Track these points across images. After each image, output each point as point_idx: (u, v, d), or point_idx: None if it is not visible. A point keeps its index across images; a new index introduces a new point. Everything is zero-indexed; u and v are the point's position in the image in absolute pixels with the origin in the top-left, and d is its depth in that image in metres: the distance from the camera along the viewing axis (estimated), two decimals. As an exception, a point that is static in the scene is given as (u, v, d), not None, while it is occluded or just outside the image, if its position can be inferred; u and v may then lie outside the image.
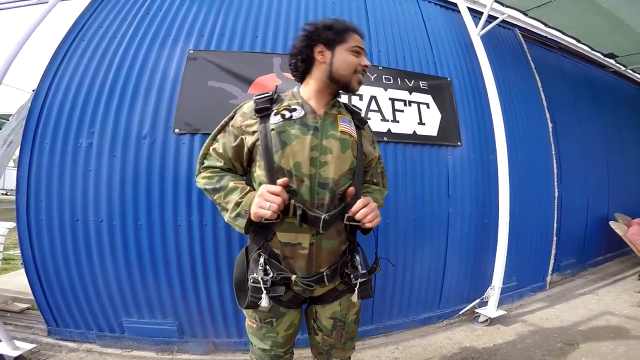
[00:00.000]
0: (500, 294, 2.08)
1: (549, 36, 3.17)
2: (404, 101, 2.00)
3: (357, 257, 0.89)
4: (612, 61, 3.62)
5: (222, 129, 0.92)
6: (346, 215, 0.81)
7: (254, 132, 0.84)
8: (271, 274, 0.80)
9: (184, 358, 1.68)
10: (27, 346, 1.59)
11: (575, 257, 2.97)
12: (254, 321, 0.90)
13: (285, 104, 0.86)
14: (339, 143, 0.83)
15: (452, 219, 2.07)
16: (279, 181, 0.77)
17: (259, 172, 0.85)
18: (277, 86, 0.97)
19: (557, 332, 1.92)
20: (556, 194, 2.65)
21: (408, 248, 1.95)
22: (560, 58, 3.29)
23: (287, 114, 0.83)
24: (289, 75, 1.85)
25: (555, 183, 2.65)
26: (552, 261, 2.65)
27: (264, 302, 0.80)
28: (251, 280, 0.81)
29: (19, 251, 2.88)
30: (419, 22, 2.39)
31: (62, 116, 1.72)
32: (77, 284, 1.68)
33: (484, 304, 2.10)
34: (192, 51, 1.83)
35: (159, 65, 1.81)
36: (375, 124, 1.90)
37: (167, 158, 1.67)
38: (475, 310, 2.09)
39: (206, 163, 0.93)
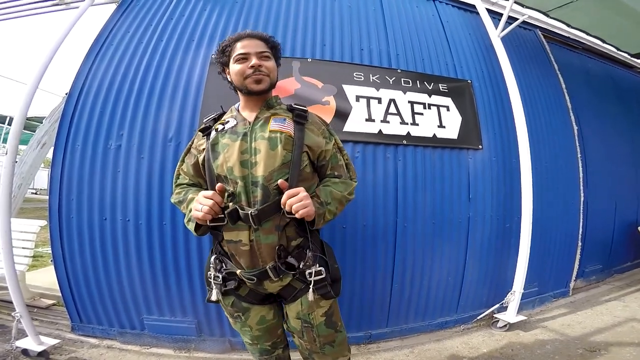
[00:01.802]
0: (521, 300, 2.03)
1: (572, 37, 3.07)
2: (424, 104, 1.99)
3: (309, 253, 0.88)
4: (639, 61, 3.48)
5: (187, 151, 1.05)
6: (283, 210, 0.83)
7: (203, 150, 0.96)
8: (218, 272, 0.90)
9: (200, 356, 1.71)
10: (51, 341, 1.63)
11: (601, 263, 2.86)
12: (229, 316, 1.00)
13: (221, 120, 0.98)
14: (267, 142, 0.88)
15: (473, 223, 2.04)
16: (217, 186, 0.84)
17: (207, 182, 0.94)
18: (221, 106, 1.09)
19: (578, 339, 1.86)
20: (582, 198, 2.56)
21: (427, 252, 1.93)
22: (585, 59, 3.18)
23: (220, 127, 0.94)
24: (308, 79, 1.89)
25: (581, 187, 2.57)
26: (576, 267, 2.57)
27: (214, 295, 0.90)
28: (207, 276, 0.93)
29: (48, 248, 3.02)
30: (437, 25, 2.37)
31: (92, 119, 1.81)
32: (102, 281, 1.75)
33: (503, 309, 2.06)
34: (214, 56, 1.88)
35: (183, 69, 1.87)
36: (394, 127, 1.90)
37: (192, 160, 1.72)
38: (494, 316, 2.05)
39: (178, 182, 1.06)
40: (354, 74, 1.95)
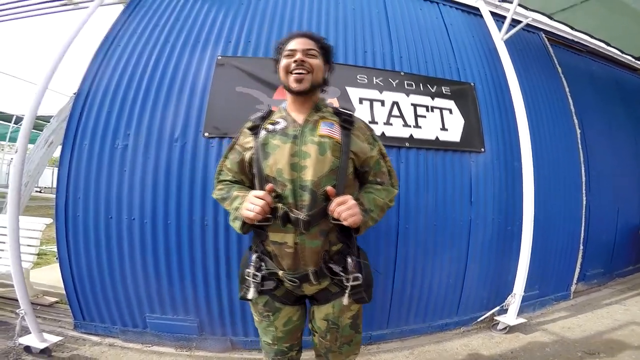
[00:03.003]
0: (522, 302, 2.04)
1: (576, 39, 3.06)
2: (427, 107, 2.00)
3: (349, 259, 0.89)
4: (643, 64, 3.47)
5: (231, 147, 1.05)
6: (329, 215, 0.84)
7: (250, 148, 0.96)
8: (263, 270, 0.90)
9: (201, 355, 1.72)
10: (54, 339, 1.64)
11: (602, 266, 2.85)
12: (256, 315, 1.00)
13: (271, 119, 0.97)
14: (317, 147, 0.88)
15: (474, 226, 2.05)
16: (266, 187, 0.85)
17: (256, 181, 0.95)
18: (269, 105, 1.07)
19: (578, 342, 1.87)
20: (584, 202, 2.56)
21: (428, 254, 1.94)
22: (589, 61, 3.17)
23: (271, 127, 0.93)
24: (313, 81, 1.91)
25: (584, 190, 2.57)
26: (577, 270, 2.57)
27: (251, 294, 0.89)
28: (245, 274, 0.91)
29: (51, 246, 3.04)
30: (440, 27, 2.38)
31: (100, 118, 1.83)
32: (106, 279, 1.77)
33: (503, 311, 2.07)
34: (220, 57, 1.91)
35: (189, 70, 1.90)
36: (397, 129, 1.91)
37: (197, 160, 1.75)
38: (495, 318, 2.06)
39: (220, 178, 1.07)
40: (358, 77, 1.97)
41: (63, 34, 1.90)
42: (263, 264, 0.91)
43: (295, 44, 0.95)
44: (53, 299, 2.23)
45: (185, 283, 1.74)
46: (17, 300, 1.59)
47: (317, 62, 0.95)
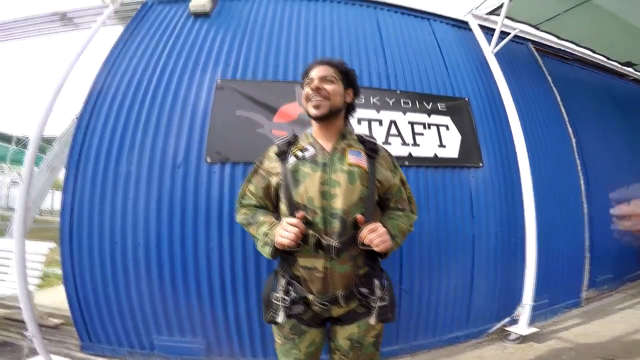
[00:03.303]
0: (533, 312, 2.03)
1: (563, 48, 3.15)
2: (423, 124, 2.04)
3: (376, 281, 0.92)
4: (630, 69, 3.54)
5: (255, 172, 1.06)
6: (359, 241, 0.87)
7: (277, 173, 0.97)
8: (291, 294, 0.91)
9: (209, 376, 1.70)
10: None
11: (611, 272, 2.83)
12: (279, 337, 0.99)
13: (299, 145, 0.99)
14: (347, 175, 0.91)
15: (478, 240, 2.05)
16: (298, 214, 0.88)
17: (282, 207, 0.96)
18: (294, 129, 1.11)
19: (594, 348, 1.83)
20: (585, 209, 2.57)
21: (433, 269, 1.94)
22: (578, 69, 3.25)
23: (300, 154, 0.95)
24: (311, 103, 1.95)
25: (584, 198, 2.58)
26: (586, 277, 2.55)
27: (280, 318, 0.90)
28: (273, 298, 0.92)
29: (54, 269, 3.01)
30: (432, 44, 2.45)
31: (102, 144, 1.85)
32: (112, 302, 1.76)
33: (514, 322, 2.05)
34: (219, 80, 1.95)
35: (190, 94, 1.93)
36: (396, 148, 1.93)
37: (200, 186, 1.77)
38: (506, 329, 2.04)
39: (244, 202, 1.08)
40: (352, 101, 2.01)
41: (65, 55, 1.94)
42: (291, 287, 0.92)
43: (313, 72, 0.98)
44: (58, 321, 2.22)
45: (192, 305, 1.74)
46: (21, 321, 1.60)
47: (334, 87, 0.96)
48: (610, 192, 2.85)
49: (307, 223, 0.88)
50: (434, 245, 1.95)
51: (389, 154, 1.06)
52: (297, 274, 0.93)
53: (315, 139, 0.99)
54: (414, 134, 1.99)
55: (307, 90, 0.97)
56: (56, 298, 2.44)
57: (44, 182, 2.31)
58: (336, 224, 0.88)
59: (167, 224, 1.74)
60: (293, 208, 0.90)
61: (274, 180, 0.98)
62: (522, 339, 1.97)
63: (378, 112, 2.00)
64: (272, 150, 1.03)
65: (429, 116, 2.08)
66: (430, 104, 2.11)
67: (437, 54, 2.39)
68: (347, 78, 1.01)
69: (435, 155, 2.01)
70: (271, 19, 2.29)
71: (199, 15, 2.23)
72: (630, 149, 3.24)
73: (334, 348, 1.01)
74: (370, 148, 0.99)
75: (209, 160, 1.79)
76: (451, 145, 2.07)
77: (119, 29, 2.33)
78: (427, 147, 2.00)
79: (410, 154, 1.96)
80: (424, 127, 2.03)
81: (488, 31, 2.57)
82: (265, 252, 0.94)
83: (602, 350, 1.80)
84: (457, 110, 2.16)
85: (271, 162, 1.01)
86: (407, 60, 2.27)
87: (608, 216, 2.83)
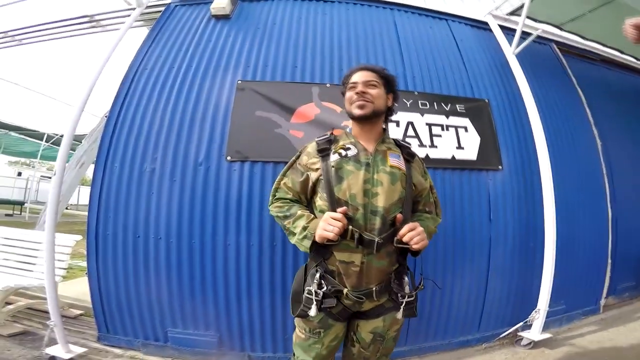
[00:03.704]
0: (547, 317, 1.98)
1: (589, 49, 3.02)
2: (441, 126, 2.02)
3: (406, 278, 0.99)
4: (661, 70, 3.38)
5: (291, 166, 1.11)
6: (395, 238, 0.91)
7: (317, 169, 1.01)
8: (325, 287, 0.93)
9: (219, 369, 1.73)
10: (79, 350, 1.70)
11: (634, 279, 2.72)
12: (303, 332, 1.01)
13: (340, 143, 1.03)
14: (389, 176, 0.96)
15: (494, 243, 2.02)
16: (340, 209, 0.91)
17: (320, 202, 1.01)
18: (332, 129, 1.16)
19: (608, 356, 1.78)
20: (610, 215, 2.48)
21: (447, 272, 1.93)
22: (604, 70, 3.12)
23: (343, 153, 1.00)
24: (328, 104, 1.98)
25: (609, 203, 2.49)
26: (607, 284, 2.47)
27: (313, 311, 0.92)
28: (306, 292, 0.95)
29: (77, 261, 3.16)
30: (451, 44, 2.42)
31: (129, 142, 1.94)
32: (132, 294, 1.83)
33: (527, 327, 2.01)
34: (240, 82, 2.00)
35: (212, 95, 2.00)
36: (413, 150, 1.90)
37: (221, 183, 1.83)
38: (518, 334, 2.00)
39: (278, 195, 1.11)
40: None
41: (93, 56, 2.05)
42: (324, 282, 0.94)
43: (356, 77, 1.04)
44: (78, 312, 2.30)
45: (207, 299, 1.79)
46: (44, 311, 1.67)
47: (377, 91, 1.02)
48: (637, 198, 2.74)
49: (348, 219, 0.92)
50: (450, 247, 1.93)
51: (421, 160, 1.12)
52: (332, 268, 0.96)
53: (357, 140, 1.04)
54: (431, 135, 1.98)
55: (351, 94, 1.03)
56: (77, 289, 2.56)
57: (73, 177, 2.43)
58: (377, 221, 0.92)
59: (187, 219, 1.81)
60: (334, 204, 0.94)
61: (313, 175, 1.02)
62: (534, 345, 1.93)
63: (395, 113, 1.99)
64: (312, 147, 1.07)
65: (447, 117, 2.06)
66: (449, 105, 2.09)
67: (455, 54, 2.36)
68: (388, 83, 1.06)
69: (453, 157, 1.99)
70: (289, 21, 2.33)
71: (219, 18, 2.29)
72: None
73: (355, 341, 1.03)
74: (408, 152, 1.05)
75: (229, 158, 1.84)
76: (470, 147, 2.04)
77: (143, 31, 2.42)
78: (445, 149, 1.98)
79: (427, 155, 1.95)
80: (442, 129, 2.01)
81: (509, 32, 2.50)
82: (304, 245, 0.97)
83: (616, 359, 1.75)
84: (477, 112, 2.13)
85: (310, 158, 1.04)
86: (425, 61, 2.26)
87: (635, 221, 2.72)
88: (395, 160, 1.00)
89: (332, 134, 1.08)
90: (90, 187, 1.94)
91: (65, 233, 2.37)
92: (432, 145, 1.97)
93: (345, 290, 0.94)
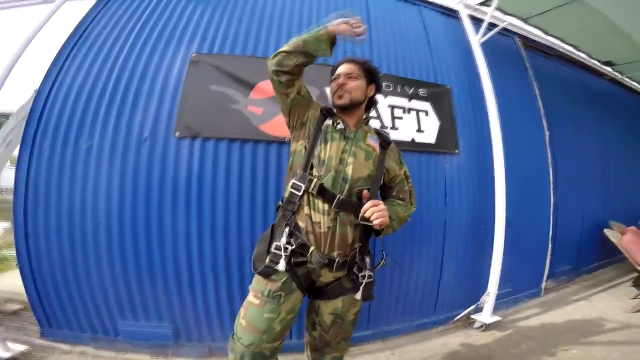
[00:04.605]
0: (496, 300, 2.10)
1: (548, 44, 3.19)
2: (403, 108, 2.01)
3: (367, 259, 1.05)
4: (609, 69, 3.66)
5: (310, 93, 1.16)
6: (360, 215, 0.96)
7: (314, 115, 1.10)
8: (292, 241, 0.97)
9: (179, 362, 1.66)
10: (20, 348, 1.58)
11: (570, 263, 2.99)
12: (260, 295, 0.98)
13: (335, 118, 1.11)
14: (364, 153, 1.05)
15: (449, 226, 2.08)
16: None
17: (298, 147, 1.08)
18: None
19: (551, 338, 1.95)
20: (552, 201, 2.66)
21: (405, 254, 1.96)
22: (558, 65, 3.32)
23: (335, 124, 1.09)
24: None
25: (551, 190, 2.67)
26: (547, 268, 2.67)
27: (281, 265, 0.95)
28: (274, 247, 0.98)
29: (12, 251, 2.85)
30: (420, 30, 2.41)
31: (62, 117, 1.72)
32: (72, 285, 1.68)
33: (479, 310, 2.12)
34: (195, 54, 1.84)
35: (161, 67, 1.82)
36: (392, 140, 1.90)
37: (168, 161, 1.68)
38: (471, 317, 2.11)
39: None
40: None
41: (25, 28, 1.78)
42: (292, 238, 0.98)
43: (340, 69, 1.12)
44: (17, 306, 2.11)
45: (157, 289, 1.67)
46: None
47: (356, 83, 1.09)
48: (576, 186, 2.97)
49: (317, 178, 1.00)
50: (408, 229, 1.94)
51: (397, 150, 1.20)
52: (301, 224, 1.00)
53: (343, 118, 1.11)
54: (393, 117, 1.97)
55: (333, 84, 1.11)
56: (15, 282, 2.27)
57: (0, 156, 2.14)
58: (345, 187, 0.99)
59: (130, 202, 1.65)
60: (310, 158, 1.02)
61: (310, 114, 1.10)
62: (486, 327, 2.05)
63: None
64: (322, 106, 1.15)
65: (410, 101, 2.05)
66: (412, 89, 2.08)
67: (423, 40, 2.35)
68: (370, 75, 1.13)
69: (413, 139, 2.00)
70: (254, -8, 2.17)
71: (177, -14, 2.07)
72: (598, 145, 3.39)
73: (317, 324, 1.06)
74: (384, 140, 1.14)
75: (177, 134, 1.69)
76: (429, 130, 2.06)
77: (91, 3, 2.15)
78: (405, 131, 1.99)
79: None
80: (404, 112, 2.01)
81: (477, 22, 2.54)
82: (322, 45, 1.00)
83: (558, 341, 1.91)
84: (438, 97, 2.15)
85: (316, 111, 1.12)
86: (393, 44, 2.22)
87: (572, 208, 2.96)
88: (373, 142, 1.09)
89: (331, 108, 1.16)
90: (15, 169, 1.70)
91: (-4, 221, 2.12)
92: (393, 127, 1.96)
93: (311, 248, 0.97)
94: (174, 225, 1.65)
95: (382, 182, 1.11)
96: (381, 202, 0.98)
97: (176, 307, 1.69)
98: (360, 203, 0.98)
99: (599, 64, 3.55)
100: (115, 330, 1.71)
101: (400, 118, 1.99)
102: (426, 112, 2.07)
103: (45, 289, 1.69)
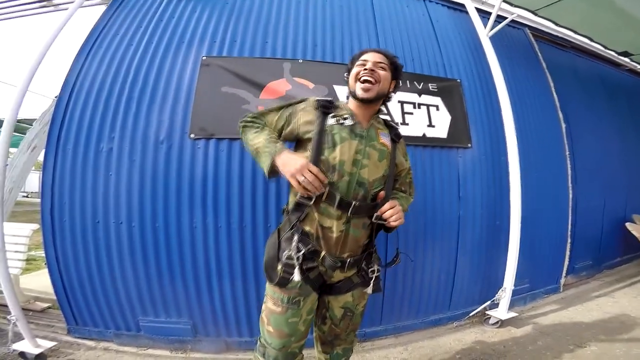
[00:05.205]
0: (512, 296, 2.06)
1: (560, 35, 3.10)
2: (413, 104, 2.00)
3: (375, 253, 1.05)
4: (626, 59, 3.52)
5: (281, 108, 1.05)
6: (375, 214, 0.94)
7: (308, 122, 0.98)
8: (303, 249, 0.92)
9: (196, 356, 1.72)
10: (48, 344, 1.64)
11: (591, 259, 2.89)
12: (280, 303, 0.96)
13: (339, 112, 1.01)
14: (378, 152, 0.99)
15: (463, 221, 2.06)
16: (322, 175, 0.89)
17: (302, 154, 0.98)
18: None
19: (569, 334, 1.89)
20: (570, 195, 2.59)
21: (418, 250, 1.95)
22: (573, 57, 3.22)
23: (341, 120, 0.99)
24: (300, 80, 1.90)
25: (570, 184, 2.60)
26: (566, 263, 2.60)
27: (296, 276, 0.91)
28: (285, 257, 0.93)
29: (41, 252, 2.99)
30: (427, 24, 2.39)
31: (83, 122, 1.80)
32: (97, 283, 1.75)
33: (494, 305, 2.09)
34: (205, 57, 1.89)
35: (174, 71, 1.87)
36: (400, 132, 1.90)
37: (184, 162, 1.73)
38: (486, 312, 2.08)
39: (255, 119, 1.05)
40: (345, 75, 1.96)
41: (43, 36, 1.87)
42: (302, 244, 0.93)
43: (368, 56, 1.03)
44: (45, 305, 2.20)
45: (176, 285, 1.73)
46: (7, 305, 1.58)
47: (385, 74, 1.01)
48: (596, 179, 2.87)
49: (330, 184, 0.93)
50: (420, 226, 1.95)
51: (404, 142, 1.16)
52: (309, 230, 0.96)
53: (354, 112, 1.03)
54: (403, 113, 1.96)
55: (358, 69, 1.00)
56: (44, 281, 2.37)
57: (24, 162, 2.25)
58: (360, 191, 0.95)
59: (150, 201, 1.71)
60: (318, 163, 0.93)
61: (302, 130, 0.98)
62: (502, 323, 2.01)
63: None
64: (310, 102, 1.03)
65: (420, 96, 2.04)
66: (422, 84, 2.07)
67: (430, 34, 2.34)
68: (396, 70, 1.06)
69: (424, 134, 1.99)
70: (261, -5, 2.20)
71: (184, -8, 2.13)
72: (619, 137, 3.27)
73: (327, 318, 1.07)
74: (395, 134, 1.08)
75: (192, 136, 1.74)
76: (440, 125, 2.04)
77: (101, 9, 2.23)
78: (416, 127, 1.98)
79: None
80: (414, 107, 2.00)
81: (484, 14, 2.51)
82: (264, 161, 0.91)
83: (576, 338, 1.86)
84: (448, 91, 2.13)
85: (307, 115, 1.00)
86: (400, 39, 2.22)
87: (592, 202, 2.87)
88: (385, 139, 1.03)
89: (332, 100, 1.06)
90: (41, 172, 1.79)
91: (26, 222, 2.22)
92: (404, 123, 1.95)
93: (322, 253, 0.95)
94: (191, 224, 1.70)
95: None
96: (397, 202, 0.96)
97: (194, 303, 1.73)
98: (375, 204, 0.96)
99: (615, 54, 3.41)
100: (137, 326, 1.77)
101: (411, 113, 1.98)
102: (437, 107, 2.06)
103: (72, 287, 1.77)
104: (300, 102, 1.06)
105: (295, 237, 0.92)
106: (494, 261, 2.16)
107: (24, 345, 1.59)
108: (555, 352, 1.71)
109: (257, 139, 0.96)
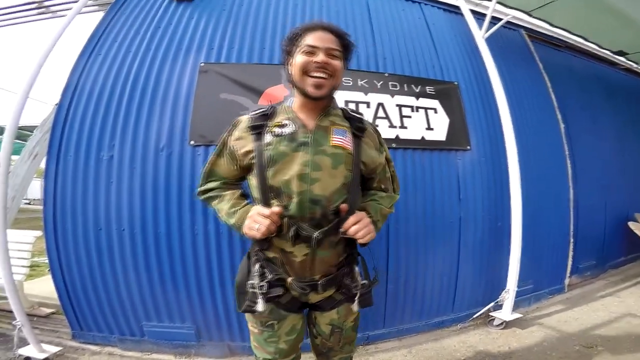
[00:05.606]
0: (516, 297, 2.05)
1: (555, 35, 3.12)
2: (411, 107, 2.02)
3: (356, 269, 0.89)
4: (622, 59, 3.53)
5: (222, 146, 0.93)
6: (340, 230, 0.79)
7: (248, 152, 0.84)
8: (268, 277, 0.81)
9: (200, 361, 1.71)
10: (53, 349, 1.66)
11: (594, 258, 2.87)
12: (256, 326, 0.91)
13: (276, 120, 0.85)
14: (330, 159, 0.81)
15: (464, 223, 2.06)
16: (274, 209, 0.77)
17: (254, 182, 0.85)
18: (270, 101, 1.01)
19: (575, 335, 1.88)
20: (571, 195, 2.59)
21: (420, 253, 1.95)
22: (569, 57, 3.24)
23: (278, 131, 0.82)
24: (298, 85, 1.91)
25: (570, 184, 2.60)
26: (569, 263, 2.59)
27: (260, 306, 0.79)
28: (249, 286, 0.82)
29: (45, 258, 3.00)
30: (422, 27, 2.41)
31: (83, 130, 1.81)
32: (100, 289, 1.76)
33: (498, 307, 2.07)
34: (203, 64, 1.90)
35: (172, 78, 1.89)
36: (383, 130, 1.91)
37: (184, 169, 1.74)
38: (490, 314, 2.07)
39: (210, 180, 0.96)
40: (342, 79, 1.98)
41: (42, 43, 1.88)
42: (266, 270, 0.82)
43: (317, 40, 0.80)
44: (49, 310, 2.23)
45: (179, 291, 1.73)
46: (12, 312, 1.60)
47: (339, 64, 0.83)
48: (596, 179, 2.87)
49: (283, 208, 0.79)
50: (421, 228, 1.94)
51: (375, 130, 0.95)
52: (273, 256, 0.85)
53: (296, 114, 0.85)
54: (401, 116, 1.98)
55: (307, 59, 0.79)
56: (48, 287, 2.41)
57: (26, 170, 2.27)
58: (316, 210, 0.79)
59: (151, 208, 1.72)
60: (267, 193, 0.80)
61: (245, 160, 0.85)
62: (506, 325, 2.00)
63: (366, 94, 1.98)
64: (244, 123, 0.87)
65: (417, 99, 2.06)
66: (419, 87, 2.09)
67: (427, 37, 2.36)
68: (346, 51, 0.87)
69: (423, 137, 2.00)
70: (257, 1, 2.23)
71: (181, 0, 2.16)
72: (619, 137, 3.26)
73: (316, 333, 0.99)
74: (357, 127, 0.87)
75: (192, 143, 1.76)
76: (439, 128, 2.05)
77: (99, 15, 2.26)
78: (414, 130, 1.99)
79: (397, 136, 1.95)
80: (412, 110, 2.01)
81: (479, 16, 2.52)
82: (236, 227, 0.85)
83: (582, 338, 1.84)
84: (446, 94, 2.14)
85: (241, 140, 0.86)
86: (397, 43, 2.24)
87: (594, 202, 2.85)
88: (339, 138, 0.83)
89: (271, 107, 0.89)
90: (43, 180, 1.80)
91: (29, 229, 2.25)
92: (402, 126, 1.96)
93: (289, 279, 0.84)
94: (192, 230, 1.71)
95: (360, 178, 0.89)
96: (364, 215, 0.82)
97: (197, 308, 1.74)
98: (339, 219, 0.80)
99: (610, 54, 3.42)
100: (141, 331, 1.77)
101: (409, 117, 1.99)
102: (435, 110, 2.07)
103: (75, 293, 1.78)
104: (233, 130, 0.90)
105: (256, 267, 0.82)
106: (496, 262, 2.16)
107: (30, 350, 1.61)
108: (561, 353, 1.70)
109: (221, 213, 0.90)
